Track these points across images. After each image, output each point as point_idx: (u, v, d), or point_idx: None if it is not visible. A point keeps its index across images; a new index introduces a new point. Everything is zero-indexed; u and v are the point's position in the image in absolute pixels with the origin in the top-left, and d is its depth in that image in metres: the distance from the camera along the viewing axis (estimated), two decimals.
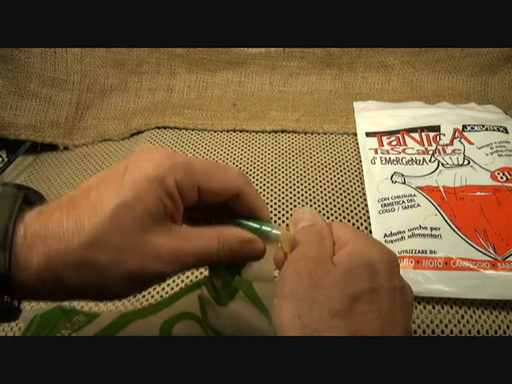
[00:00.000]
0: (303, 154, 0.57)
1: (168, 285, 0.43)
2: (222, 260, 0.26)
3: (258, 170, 0.55)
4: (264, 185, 0.53)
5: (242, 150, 0.58)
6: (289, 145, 0.59)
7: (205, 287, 0.30)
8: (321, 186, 0.53)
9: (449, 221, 0.45)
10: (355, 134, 0.59)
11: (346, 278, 0.23)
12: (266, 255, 0.27)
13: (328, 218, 0.49)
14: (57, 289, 0.23)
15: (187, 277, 0.43)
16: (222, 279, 0.29)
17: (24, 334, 0.31)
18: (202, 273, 0.43)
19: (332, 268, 0.24)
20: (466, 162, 0.52)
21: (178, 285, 0.42)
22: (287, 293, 0.23)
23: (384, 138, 0.56)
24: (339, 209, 0.50)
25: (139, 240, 0.23)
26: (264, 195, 0.52)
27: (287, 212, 0.50)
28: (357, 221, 0.48)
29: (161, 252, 0.23)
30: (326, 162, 0.56)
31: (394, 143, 0.55)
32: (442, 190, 0.49)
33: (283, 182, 0.53)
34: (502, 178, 0.49)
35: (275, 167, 0.56)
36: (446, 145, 0.55)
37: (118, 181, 0.23)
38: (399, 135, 0.56)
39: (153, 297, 0.41)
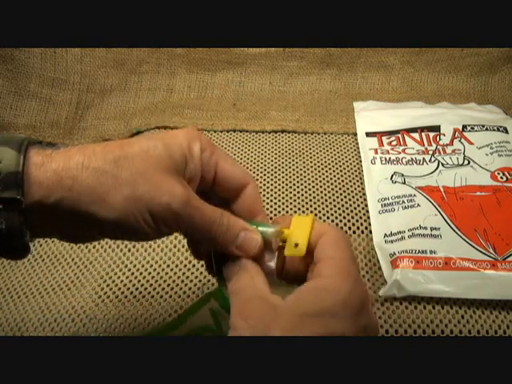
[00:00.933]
0: (303, 154, 0.57)
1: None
2: (217, 237, 0.26)
3: (258, 169, 0.55)
4: (264, 185, 0.53)
5: (242, 150, 0.58)
6: (289, 145, 0.59)
7: (213, 299, 0.30)
8: (321, 186, 0.53)
9: (449, 221, 0.45)
10: (355, 134, 0.59)
11: (294, 326, 0.23)
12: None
13: (328, 218, 0.49)
14: (65, 202, 0.23)
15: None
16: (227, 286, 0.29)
17: None
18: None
19: (280, 311, 0.24)
20: (465, 161, 0.52)
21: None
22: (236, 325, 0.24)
23: (384, 138, 0.56)
24: (339, 209, 0.50)
25: (158, 173, 0.24)
26: (264, 195, 0.52)
27: (287, 212, 0.50)
28: (357, 221, 0.48)
29: (173, 190, 0.24)
30: (325, 161, 0.56)
31: (394, 143, 0.55)
32: (441, 190, 0.49)
33: (283, 182, 0.53)
34: (501, 178, 0.49)
35: (275, 167, 0.56)
36: (446, 145, 0.55)
37: (149, 136, 0.26)
38: (399, 135, 0.56)
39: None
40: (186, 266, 0.45)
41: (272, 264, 0.29)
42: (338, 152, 0.58)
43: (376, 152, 0.54)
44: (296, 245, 0.27)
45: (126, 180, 0.24)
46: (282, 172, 0.55)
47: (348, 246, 0.27)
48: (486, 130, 0.56)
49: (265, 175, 0.54)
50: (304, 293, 0.25)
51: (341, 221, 0.48)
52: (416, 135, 0.56)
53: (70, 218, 0.24)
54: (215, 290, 0.30)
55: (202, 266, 0.45)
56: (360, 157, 0.55)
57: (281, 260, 0.29)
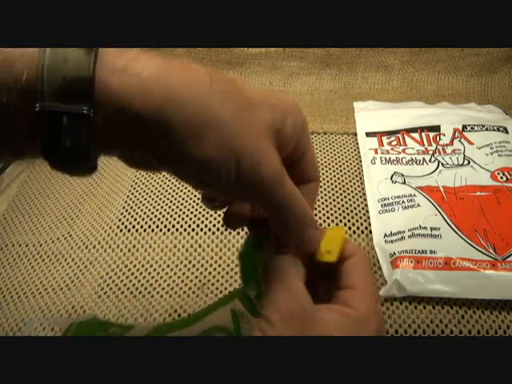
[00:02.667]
0: None
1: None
2: (288, 223, 0.25)
3: None
4: None
5: None
6: None
7: (238, 299, 0.30)
8: (321, 186, 0.52)
9: (449, 221, 0.45)
10: (355, 134, 0.59)
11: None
12: None
13: (328, 218, 0.49)
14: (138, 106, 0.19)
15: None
16: (256, 289, 0.29)
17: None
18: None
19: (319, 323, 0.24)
20: (466, 161, 0.52)
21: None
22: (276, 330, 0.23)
23: (384, 138, 0.56)
24: (339, 209, 0.50)
25: (259, 136, 0.22)
26: None
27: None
28: (357, 221, 0.48)
29: (268, 161, 0.22)
30: (326, 161, 0.56)
31: (394, 143, 0.55)
32: (441, 190, 0.49)
33: None
34: (501, 178, 0.49)
35: None
36: (446, 145, 0.55)
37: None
38: (399, 135, 0.56)
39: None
40: (185, 266, 0.45)
41: None
42: (338, 152, 0.58)
43: (376, 152, 0.54)
44: (328, 252, 0.27)
45: (225, 122, 0.21)
46: None
47: (370, 270, 0.28)
48: (486, 130, 0.56)
49: None
50: (338, 318, 0.25)
51: (341, 221, 0.48)
52: (416, 135, 0.56)
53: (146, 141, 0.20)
54: (241, 289, 0.30)
55: (203, 265, 0.45)
56: (360, 157, 0.55)
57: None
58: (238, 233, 0.47)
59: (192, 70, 0.22)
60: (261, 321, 0.24)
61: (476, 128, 0.56)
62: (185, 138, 0.20)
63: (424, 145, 0.55)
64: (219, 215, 0.49)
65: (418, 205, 0.47)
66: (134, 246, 0.47)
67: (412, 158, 0.53)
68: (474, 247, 0.43)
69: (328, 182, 0.53)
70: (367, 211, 0.49)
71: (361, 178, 0.53)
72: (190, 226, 0.48)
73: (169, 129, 0.20)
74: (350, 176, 0.54)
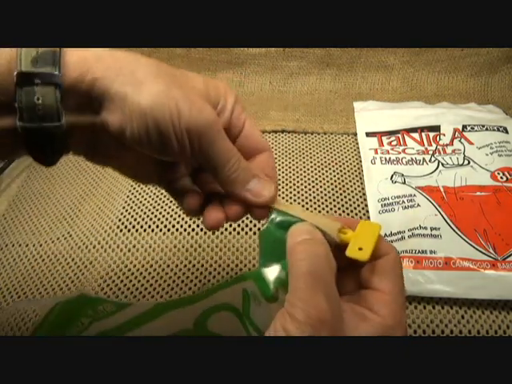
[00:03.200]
0: (303, 153, 0.57)
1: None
2: (232, 174, 0.26)
3: None
4: None
5: None
6: (289, 145, 0.59)
7: (252, 280, 0.28)
8: (321, 186, 0.53)
9: (449, 221, 0.45)
10: (355, 134, 0.59)
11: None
12: None
13: None
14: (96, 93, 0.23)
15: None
16: (276, 271, 0.27)
17: (42, 322, 0.30)
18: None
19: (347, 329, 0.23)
20: (465, 161, 0.52)
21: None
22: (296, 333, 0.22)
23: (384, 138, 0.56)
24: (339, 209, 0.50)
25: (194, 93, 0.25)
26: None
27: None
28: None
29: (204, 107, 0.25)
30: (326, 161, 0.56)
31: (394, 143, 0.55)
32: (441, 190, 0.49)
33: (283, 182, 0.53)
34: (501, 178, 0.49)
35: (275, 167, 0.55)
36: (446, 145, 0.55)
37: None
38: (399, 135, 0.56)
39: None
40: (185, 266, 0.45)
41: None
42: (338, 152, 0.58)
43: (376, 152, 0.54)
44: (360, 249, 0.25)
45: (164, 80, 0.24)
46: (282, 172, 0.55)
47: (402, 274, 0.26)
48: (486, 130, 0.56)
49: None
50: (363, 327, 0.24)
51: None
52: (416, 135, 0.56)
53: (101, 105, 0.24)
54: (258, 271, 0.27)
55: (203, 266, 0.45)
56: (360, 157, 0.55)
57: None
58: (238, 233, 0.47)
59: (139, 56, 0.26)
60: (285, 318, 0.22)
61: (476, 128, 0.56)
62: (125, 90, 0.23)
63: (424, 145, 0.55)
64: None
65: (418, 205, 0.47)
66: (134, 246, 0.47)
67: (412, 158, 0.53)
68: (474, 247, 0.43)
69: (328, 181, 0.53)
70: (367, 211, 0.49)
71: (361, 178, 0.53)
72: (189, 226, 0.48)
73: (112, 86, 0.23)
74: (349, 176, 0.54)
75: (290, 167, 0.55)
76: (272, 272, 0.27)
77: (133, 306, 0.31)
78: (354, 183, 0.53)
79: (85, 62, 0.24)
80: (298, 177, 0.54)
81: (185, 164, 0.30)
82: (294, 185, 0.53)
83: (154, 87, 0.24)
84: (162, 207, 0.50)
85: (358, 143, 0.57)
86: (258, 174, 0.28)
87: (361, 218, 0.49)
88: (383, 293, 0.25)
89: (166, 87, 0.24)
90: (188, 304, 0.30)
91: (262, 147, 0.29)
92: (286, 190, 0.52)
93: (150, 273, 0.44)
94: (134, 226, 0.49)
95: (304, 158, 0.57)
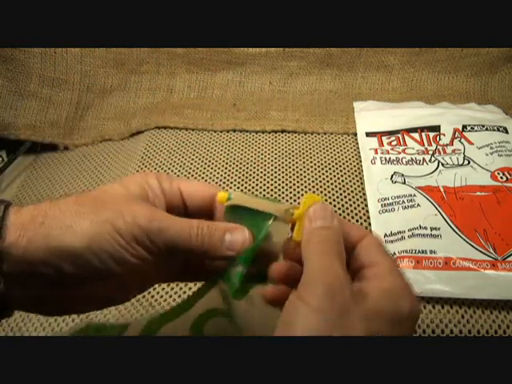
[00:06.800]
0: (303, 153, 0.57)
1: (189, 288, 0.43)
2: (204, 244, 0.26)
3: (258, 169, 0.55)
4: (264, 185, 0.53)
5: (242, 150, 0.58)
6: (289, 145, 0.59)
7: (223, 281, 0.28)
8: (321, 186, 0.53)
9: (449, 221, 0.45)
10: (355, 134, 0.59)
11: (370, 319, 0.23)
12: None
13: None
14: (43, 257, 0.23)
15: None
16: (242, 267, 0.27)
17: None
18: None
19: (360, 299, 0.23)
20: (466, 162, 0.52)
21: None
22: (314, 304, 0.22)
23: (384, 138, 0.56)
24: (339, 209, 0.50)
25: (118, 203, 0.25)
26: (264, 195, 0.52)
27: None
28: (357, 221, 0.48)
29: (134, 209, 0.25)
30: (326, 161, 0.56)
31: (394, 143, 0.55)
32: (441, 189, 0.49)
33: (283, 182, 0.53)
34: (501, 178, 0.49)
35: (275, 167, 0.56)
36: (446, 145, 0.55)
37: (107, 184, 0.28)
38: (399, 135, 0.56)
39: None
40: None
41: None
42: (338, 152, 0.58)
43: (376, 152, 0.54)
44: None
45: (89, 210, 0.24)
46: (282, 172, 0.55)
47: (387, 250, 0.27)
48: (486, 129, 0.56)
49: (265, 175, 0.54)
50: (373, 290, 0.24)
51: None
52: (416, 135, 0.56)
53: (43, 262, 0.24)
54: (225, 272, 0.28)
55: None
56: (360, 157, 0.55)
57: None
58: None
59: (58, 200, 0.25)
60: (297, 301, 0.23)
61: (476, 128, 0.56)
62: (63, 239, 0.24)
63: (424, 145, 0.55)
64: None
65: (418, 205, 0.47)
66: None
67: (412, 158, 0.53)
68: (474, 247, 0.43)
69: (328, 181, 0.53)
70: (367, 211, 0.49)
71: (361, 178, 0.53)
72: None
73: (49, 241, 0.24)
74: (350, 176, 0.54)
75: (289, 167, 0.55)
76: (239, 267, 0.27)
77: (130, 327, 0.31)
78: (354, 183, 0.53)
79: (21, 222, 0.24)
80: (297, 177, 0.54)
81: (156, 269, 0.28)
82: (294, 185, 0.53)
83: (84, 227, 0.24)
84: None
85: (357, 143, 0.57)
86: (227, 227, 0.27)
87: (361, 217, 0.49)
88: (378, 265, 0.25)
89: (93, 219, 0.24)
90: (179, 315, 0.31)
91: (209, 192, 0.29)
92: (286, 190, 0.52)
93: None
94: None
95: (304, 157, 0.57)
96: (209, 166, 0.56)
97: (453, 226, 0.45)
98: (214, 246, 0.26)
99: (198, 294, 0.30)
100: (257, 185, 0.53)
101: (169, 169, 0.56)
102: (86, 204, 0.25)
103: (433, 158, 0.53)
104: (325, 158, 0.57)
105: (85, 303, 0.27)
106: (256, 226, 0.27)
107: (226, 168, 0.55)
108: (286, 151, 0.58)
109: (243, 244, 0.27)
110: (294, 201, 0.51)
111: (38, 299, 0.25)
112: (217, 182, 0.54)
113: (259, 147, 0.59)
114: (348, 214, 0.49)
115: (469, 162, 0.52)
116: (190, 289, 0.42)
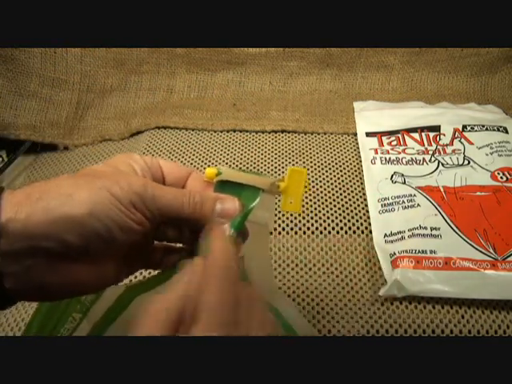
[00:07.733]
0: (303, 153, 0.57)
1: None
2: (196, 211, 0.27)
3: (258, 169, 0.55)
4: None
5: (242, 150, 0.58)
6: (289, 145, 0.59)
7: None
8: (321, 186, 0.53)
9: (449, 221, 0.45)
10: (355, 134, 0.59)
11: None
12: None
13: (328, 218, 0.49)
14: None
15: None
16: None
17: (33, 319, 0.31)
18: None
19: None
20: (466, 162, 0.52)
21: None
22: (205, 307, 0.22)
23: (384, 138, 0.56)
24: (339, 209, 0.50)
25: (111, 175, 0.26)
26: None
27: (287, 212, 0.50)
28: (357, 221, 0.48)
29: (129, 177, 0.26)
30: (326, 161, 0.56)
31: (394, 143, 0.55)
32: (441, 189, 0.49)
33: None
34: (502, 178, 0.49)
35: (275, 167, 0.56)
36: (446, 145, 0.55)
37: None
38: (399, 135, 0.56)
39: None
40: None
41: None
42: (338, 152, 0.58)
43: (376, 152, 0.54)
44: (291, 202, 0.28)
45: (85, 181, 0.25)
46: (282, 172, 0.55)
47: None
48: (486, 129, 0.56)
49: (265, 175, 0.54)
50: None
51: (341, 221, 0.48)
52: (416, 135, 0.56)
53: (45, 236, 0.23)
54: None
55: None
56: (360, 157, 0.55)
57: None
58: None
59: (53, 179, 0.26)
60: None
61: (476, 128, 0.56)
62: (64, 210, 0.24)
63: (424, 145, 0.55)
64: None
65: (418, 205, 0.47)
66: None
67: (412, 158, 0.53)
68: (474, 247, 0.43)
69: (328, 181, 0.53)
70: (367, 211, 0.49)
71: (361, 178, 0.53)
72: None
73: (49, 213, 0.23)
74: (350, 176, 0.54)
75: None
76: None
77: (107, 291, 0.31)
78: (354, 183, 0.53)
79: (16, 200, 0.23)
80: None
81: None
82: None
83: (83, 196, 0.24)
84: None
85: (357, 143, 0.57)
86: (218, 196, 0.28)
87: (361, 217, 0.49)
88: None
89: (91, 188, 0.24)
90: (156, 285, 0.30)
91: (185, 171, 0.30)
92: None
93: (150, 272, 0.44)
94: None
95: (304, 157, 0.57)
96: (209, 165, 0.56)
97: (453, 225, 0.45)
98: (205, 214, 0.27)
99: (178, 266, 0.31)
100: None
101: None
102: (80, 177, 0.25)
103: (433, 158, 0.53)
104: (325, 158, 0.57)
105: (83, 282, 0.27)
106: (245, 197, 0.28)
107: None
108: (286, 151, 0.58)
109: (234, 212, 0.28)
110: None
111: (38, 278, 0.25)
112: None
113: (259, 147, 0.59)
114: (348, 214, 0.49)
115: (469, 162, 0.52)
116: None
